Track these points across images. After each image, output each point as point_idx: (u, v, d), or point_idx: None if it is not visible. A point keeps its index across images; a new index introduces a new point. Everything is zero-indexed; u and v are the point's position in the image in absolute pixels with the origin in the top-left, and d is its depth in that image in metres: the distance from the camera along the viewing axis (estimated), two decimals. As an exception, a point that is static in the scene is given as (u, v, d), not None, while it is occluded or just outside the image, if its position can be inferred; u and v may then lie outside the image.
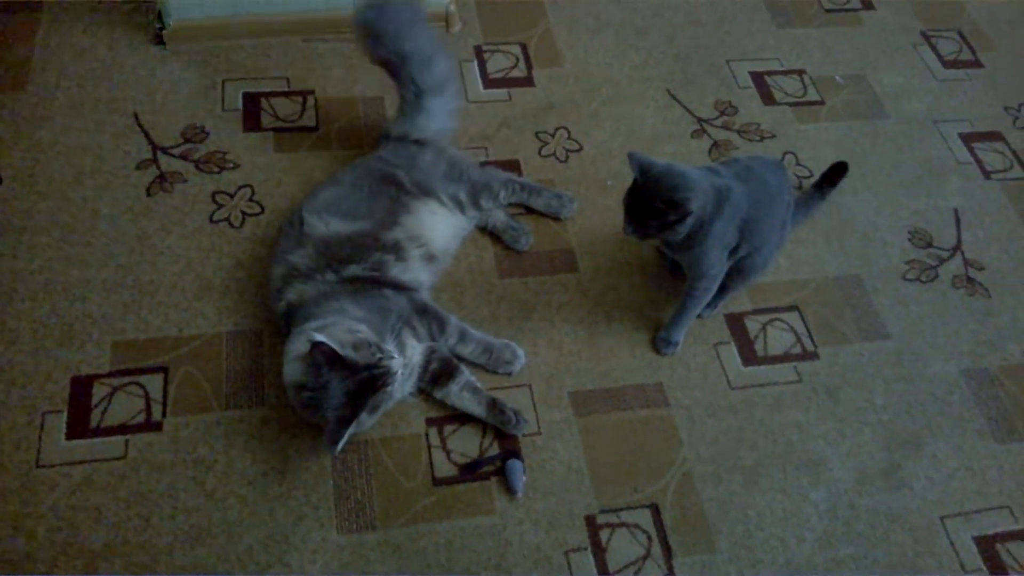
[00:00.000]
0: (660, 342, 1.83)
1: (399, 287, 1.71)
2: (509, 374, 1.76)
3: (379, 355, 1.50)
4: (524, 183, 1.98)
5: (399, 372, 1.53)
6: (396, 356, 1.53)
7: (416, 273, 1.76)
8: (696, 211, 1.55)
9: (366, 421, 1.54)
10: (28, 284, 1.78)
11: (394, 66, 1.87)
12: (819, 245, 2.03)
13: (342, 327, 1.52)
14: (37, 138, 2.01)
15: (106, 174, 1.96)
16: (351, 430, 1.47)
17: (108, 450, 1.60)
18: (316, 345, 1.44)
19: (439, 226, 1.83)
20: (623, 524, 1.61)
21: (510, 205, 1.99)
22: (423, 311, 1.72)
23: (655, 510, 1.63)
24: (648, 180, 1.57)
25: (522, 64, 2.30)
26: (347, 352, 1.47)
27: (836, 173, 2.06)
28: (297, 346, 1.53)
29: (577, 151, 2.13)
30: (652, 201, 1.56)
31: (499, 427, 1.69)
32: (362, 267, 1.69)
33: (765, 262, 1.78)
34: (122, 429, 1.63)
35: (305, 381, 1.49)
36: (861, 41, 2.50)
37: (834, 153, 2.20)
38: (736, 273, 1.77)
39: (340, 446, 1.46)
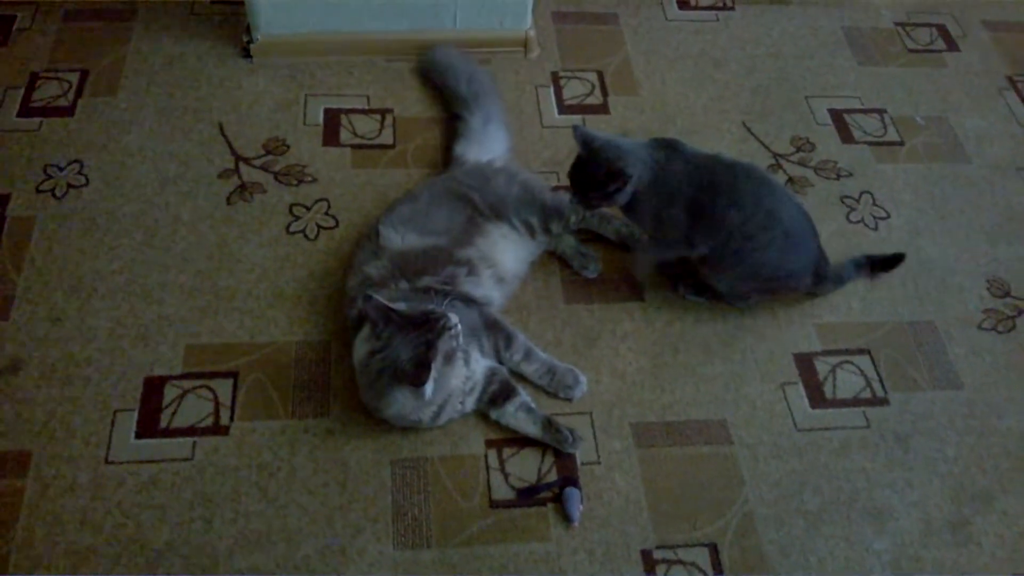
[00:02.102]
0: (683, 287, 1.93)
1: (469, 301, 1.73)
2: (570, 399, 1.76)
3: (430, 307, 1.57)
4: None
5: (457, 324, 1.56)
6: (451, 314, 1.57)
7: (487, 290, 1.78)
8: (634, 179, 1.68)
9: (448, 378, 1.57)
10: (108, 284, 1.84)
11: (464, 98, 2.10)
12: (894, 288, 1.99)
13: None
14: (125, 142, 2.08)
15: (189, 181, 2.02)
16: (433, 375, 1.50)
17: (176, 451, 1.64)
18: (366, 298, 1.53)
19: (510, 250, 1.85)
20: (680, 562, 1.59)
21: (579, 231, 1.99)
22: (492, 325, 1.74)
23: (713, 549, 1.60)
24: (590, 153, 1.70)
25: (598, 91, 2.31)
26: (398, 306, 1.55)
27: (893, 262, 1.97)
28: (364, 331, 1.59)
29: (650, 180, 2.12)
30: (594, 173, 1.69)
31: (555, 446, 1.68)
32: (435, 279, 1.72)
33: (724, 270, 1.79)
34: (190, 431, 1.66)
35: (372, 346, 1.55)
36: (944, 82, 2.45)
37: (912, 195, 2.16)
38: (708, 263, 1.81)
39: (430, 387, 1.51)
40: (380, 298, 1.55)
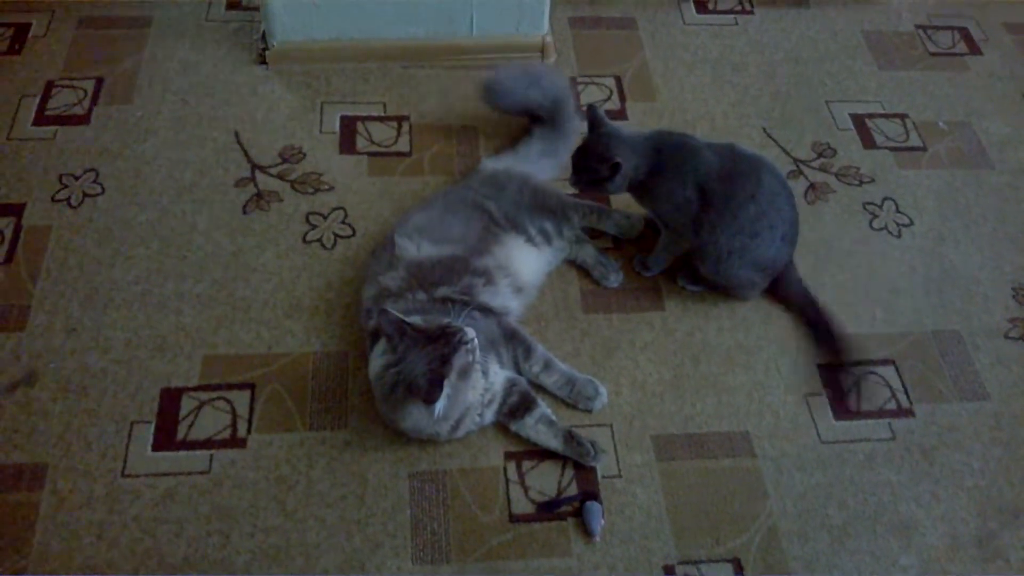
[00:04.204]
0: (637, 262, 1.94)
1: (487, 311, 1.72)
2: (589, 410, 1.74)
3: (447, 321, 1.55)
4: (593, 206, 1.97)
5: (474, 339, 1.54)
6: (468, 329, 1.55)
7: (504, 300, 1.76)
8: (625, 169, 1.71)
9: (464, 392, 1.55)
10: (124, 294, 1.83)
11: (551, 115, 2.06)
12: (918, 297, 1.96)
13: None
14: (140, 151, 2.07)
15: (205, 189, 2.01)
16: (447, 391, 1.48)
17: (193, 464, 1.62)
18: (382, 312, 1.51)
19: (527, 260, 1.83)
20: (703, 577, 1.57)
21: (593, 235, 1.98)
22: (511, 335, 1.72)
23: (737, 565, 1.58)
24: (591, 138, 1.76)
25: (616, 97, 2.29)
26: (414, 319, 1.54)
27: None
28: (380, 345, 1.57)
29: (669, 188, 2.10)
30: (589, 157, 1.74)
31: (576, 459, 1.66)
32: (452, 289, 1.70)
33: (718, 259, 1.78)
34: (207, 444, 1.65)
35: (387, 360, 1.53)
36: (967, 87, 2.42)
37: (936, 202, 2.13)
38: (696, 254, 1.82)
39: (440, 405, 1.48)
40: (395, 311, 1.53)
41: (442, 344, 1.51)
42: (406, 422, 1.57)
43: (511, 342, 1.72)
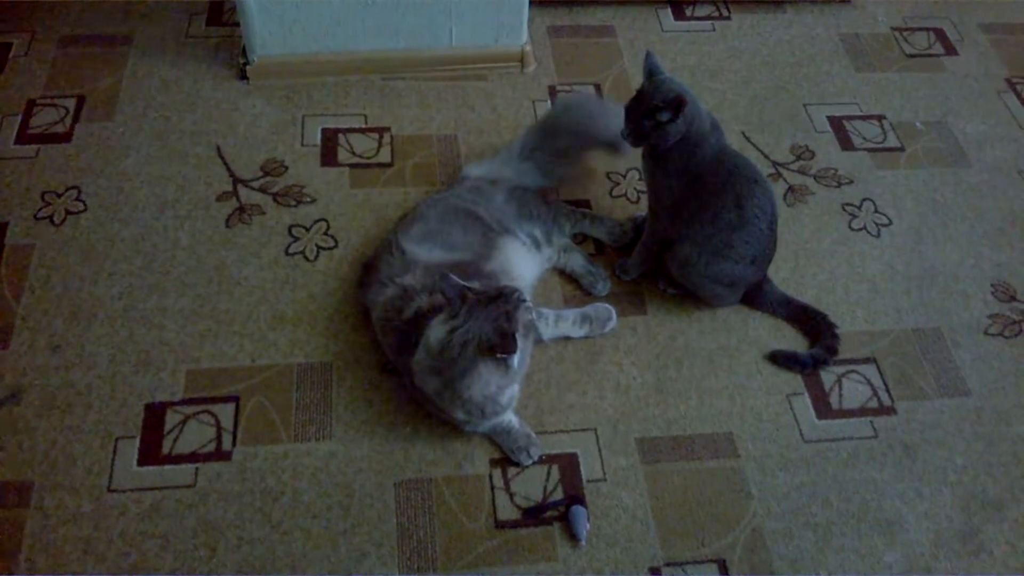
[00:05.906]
0: (617, 266, 1.96)
1: None
2: (610, 329, 1.86)
3: (503, 284, 1.62)
4: (584, 211, 2.00)
5: (528, 299, 1.59)
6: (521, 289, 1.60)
7: None
8: (686, 114, 1.66)
9: (527, 351, 1.59)
10: (108, 310, 1.83)
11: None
12: (898, 296, 1.98)
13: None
14: (123, 167, 2.07)
15: (187, 204, 2.01)
16: (521, 345, 1.50)
17: (178, 478, 1.63)
18: (443, 278, 1.54)
19: (523, 262, 1.85)
20: (689, 578, 1.57)
21: (577, 241, 1.99)
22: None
23: (722, 565, 1.58)
24: (652, 83, 1.71)
25: (596, 104, 2.30)
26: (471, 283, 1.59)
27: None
28: (441, 315, 1.57)
29: (649, 193, 2.11)
30: (651, 100, 1.67)
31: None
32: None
33: (685, 262, 1.79)
34: (192, 457, 1.65)
35: (452, 324, 1.53)
36: (943, 87, 2.45)
37: (914, 201, 2.15)
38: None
39: (516, 357, 1.50)
40: (455, 277, 1.54)
41: (503, 302, 1.53)
42: (474, 387, 1.53)
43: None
